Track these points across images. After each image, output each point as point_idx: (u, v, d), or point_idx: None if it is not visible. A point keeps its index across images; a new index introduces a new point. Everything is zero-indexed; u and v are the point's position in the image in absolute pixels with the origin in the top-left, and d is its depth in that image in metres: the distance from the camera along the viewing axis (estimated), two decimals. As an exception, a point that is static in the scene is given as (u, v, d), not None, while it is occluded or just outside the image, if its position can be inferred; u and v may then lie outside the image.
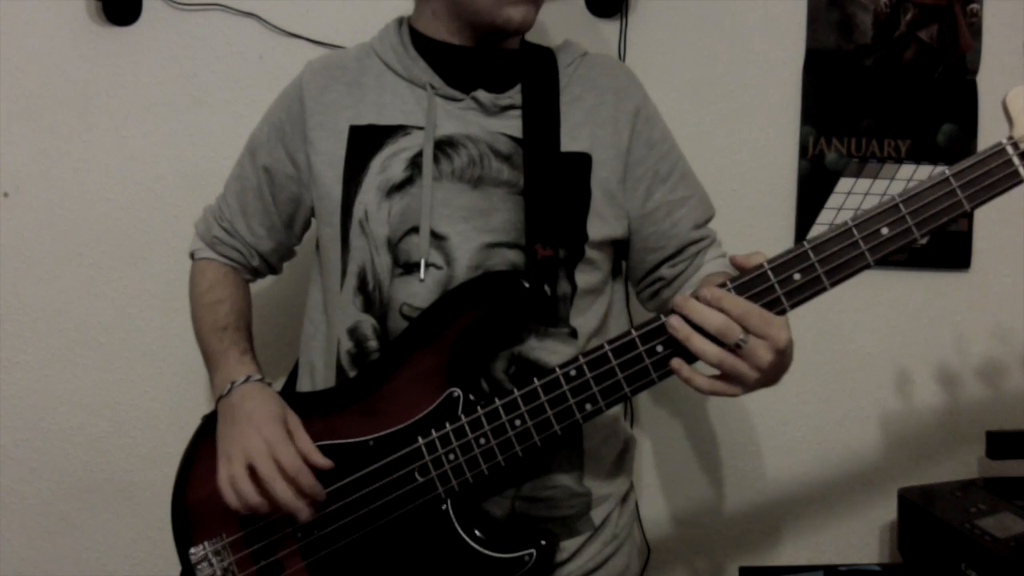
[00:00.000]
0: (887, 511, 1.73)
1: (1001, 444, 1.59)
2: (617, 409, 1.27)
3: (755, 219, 1.68)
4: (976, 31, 1.67)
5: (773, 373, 0.97)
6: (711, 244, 1.24)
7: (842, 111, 1.67)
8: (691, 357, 0.98)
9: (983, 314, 1.74)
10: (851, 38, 1.65)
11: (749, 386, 0.97)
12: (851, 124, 1.67)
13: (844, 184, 1.68)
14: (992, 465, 1.67)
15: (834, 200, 1.68)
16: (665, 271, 1.23)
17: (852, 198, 1.68)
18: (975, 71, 1.68)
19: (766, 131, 1.67)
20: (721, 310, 0.94)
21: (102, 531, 1.63)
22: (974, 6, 1.66)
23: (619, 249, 1.23)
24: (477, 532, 1.07)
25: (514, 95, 1.16)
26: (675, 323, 0.96)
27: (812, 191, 1.68)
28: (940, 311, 1.73)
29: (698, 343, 0.95)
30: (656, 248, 1.21)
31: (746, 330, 0.93)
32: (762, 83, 1.66)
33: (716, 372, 0.98)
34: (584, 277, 1.15)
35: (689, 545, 1.76)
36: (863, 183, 1.68)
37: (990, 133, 1.66)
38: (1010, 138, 0.94)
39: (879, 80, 1.66)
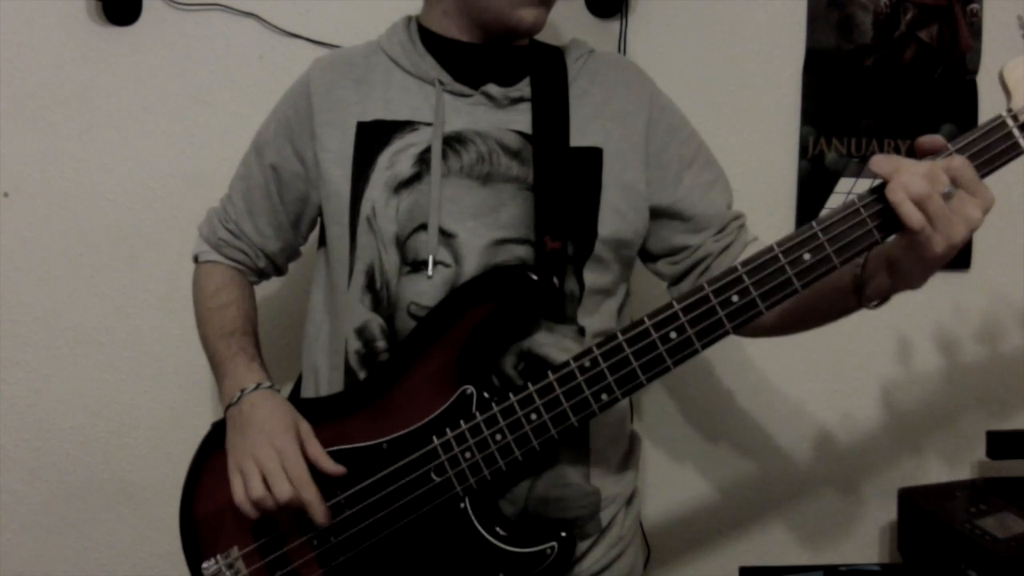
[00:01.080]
0: (887, 511, 1.73)
1: (1001, 444, 1.59)
2: (624, 409, 1.27)
3: (755, 219, 1.65)
4: (976, 31, 1.67)
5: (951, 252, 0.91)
6: (744, 224, 1.24)
7: (842, 111, 1.67)
8: (888, 226, 0.93)
9: (983, 314, 1.74)
10: (851, 38, 1.65)
11: (952, 245, 0.90)
12: (851, 124, 1.67)
13: (844, 184, 1.68)
14: (992, 465, 1.67)
15: (834, 200, 1.68)
16: (711, 245, 1.21)
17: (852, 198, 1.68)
18: (975, 71, 1.68)
19: (766, 131, 1.67)
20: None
21: (102, 531, 1.63)
22: (974, 6, 1.66)
23: (632, 253, 1.22)
24: (497, 528, 1.07)
25: (523, 88, 1.15)
26: (879, 158, 0.92)
27: (812, 191, 1.68)
28: (940, 311, 1.73)
29: (907, 176, 0.89)
30: (703, 228, 1.20)
31: (957, 184, 0.90)
32: (762, 83, 1.66)
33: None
34: (593, 276, 1.14)
35: (689, 545, 1.76)
36: (863, 183, 1.68)
37: (990, 133, 1.66)
38: (1009, 110, 0.93)
39: (879, 80, 1.66)
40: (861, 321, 1.73)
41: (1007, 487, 1.58)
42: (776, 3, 1.64)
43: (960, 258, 1.72)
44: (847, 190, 1.68)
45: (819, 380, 1.73)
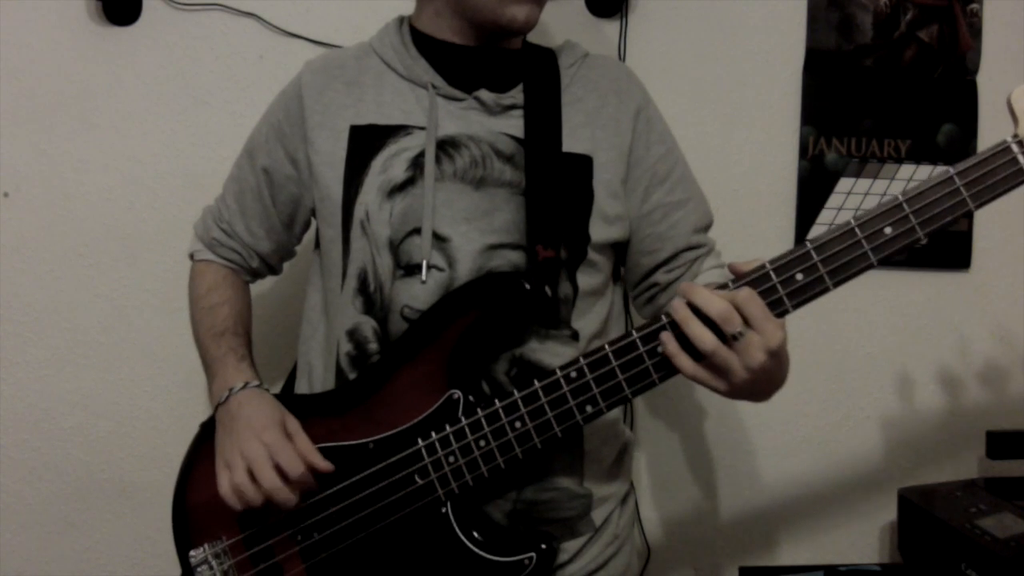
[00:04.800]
0: (887, 511, 1.73)
1: (1001, 444, 1.59)
2: (617, 410, 1.27)
3: (755, 219, 1.68)
4: (976, 31, 1.67)
5: (762, 382, 0.96)
6: (709, 253, 1.23)
7: (842, 111, 1.67)
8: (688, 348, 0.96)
9: (983, 314, 1.74)
10: (851, 38, 1.65)
11: (734, 385, 0.95)
12: (851, 124, 1.67)
13: (844, 184, 1.68)
14: (992, 465, 1.67)
15: (834, 200, 1.68)
16: (660, 276, 1.21)
17: (852, 198, 1.68)
18: (975, 71, 1.68)
19: (766, 131, 1.67)
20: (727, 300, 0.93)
21: (102, 531, 1.63)
22: (974, 6, 1.66)
23: (620, 252, 1.23)
24: (477, 535, 1.07)
25: (516, 95, 1.15)
26: (676, 304, 0.95)
27: (812, 191, 1.68)
28: (940, 311, 1.73)
29: (695, 327, 0.93)
30: (651, 251, 1.20)
31: (746, 321, 0.92)
32: (762, 83, 1.66)
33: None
34: (586, 279, 1.14)
35: (689, 545, 1.76)
36: (863, 183, 1.68)
37: (990, 133, 1.66)
38: (1015, 136, 0.92)
39: (879, 80, 1.66)
40: (861, 322, 1.74)
41: (1007, 487, 1.58)
42: (776, 3, 1.64)
43: (960, 258, 1.72)
44: (847, 190, 1.68)
45: (819, 380, 1.73)
